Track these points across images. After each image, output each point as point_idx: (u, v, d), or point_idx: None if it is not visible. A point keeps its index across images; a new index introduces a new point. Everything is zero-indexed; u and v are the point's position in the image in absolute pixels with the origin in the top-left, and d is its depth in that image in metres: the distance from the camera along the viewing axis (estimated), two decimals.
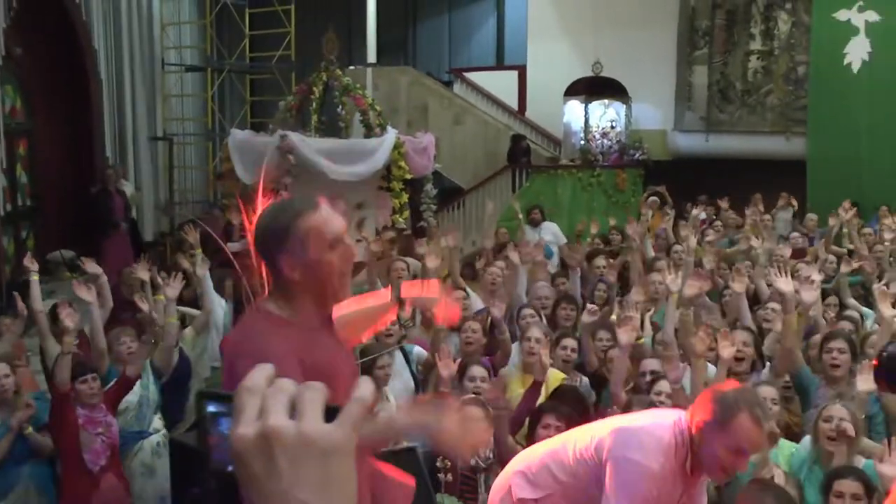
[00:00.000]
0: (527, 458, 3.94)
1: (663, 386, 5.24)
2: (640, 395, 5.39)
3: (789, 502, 4.09)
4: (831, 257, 8.86)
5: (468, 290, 7.81)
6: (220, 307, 7.18)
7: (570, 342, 6.27)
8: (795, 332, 5.85)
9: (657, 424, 3.46)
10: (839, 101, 14.50)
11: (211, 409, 1.05)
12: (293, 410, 0.97)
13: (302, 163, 9.19)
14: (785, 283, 5.89)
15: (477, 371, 5.40)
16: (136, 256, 7.44)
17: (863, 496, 4.18)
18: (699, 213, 11.18)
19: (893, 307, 6.32)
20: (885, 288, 6.83)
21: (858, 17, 14.45)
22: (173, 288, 6.07)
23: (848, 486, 4.21)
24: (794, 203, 12.91)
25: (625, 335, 5.42)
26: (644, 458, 3.30)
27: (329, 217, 2.78)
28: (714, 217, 12.00)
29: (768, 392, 5.08)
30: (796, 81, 16.00)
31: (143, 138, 15.25)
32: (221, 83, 16.68)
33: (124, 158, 14.52)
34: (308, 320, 2.80)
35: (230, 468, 1.00)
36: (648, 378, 5.55)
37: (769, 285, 7.10)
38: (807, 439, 5.06)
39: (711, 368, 5.53)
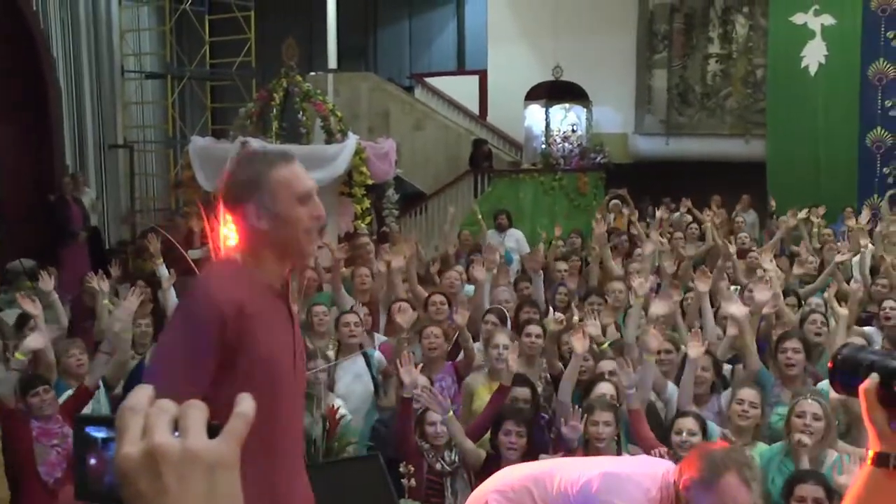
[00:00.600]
0: (507, 478, 3.91)
1: (604, 388, 5.25)
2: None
3: None
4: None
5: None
6: None
7: (534, 328, 6.27)
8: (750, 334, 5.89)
9: (645, 474, 3.44)
10: (797, 103, 14.62)
11: (100, 434, 1.05)
12: (176, 429, 0.98)
13: None
14: (736, 308, 5.92)
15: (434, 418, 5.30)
16: (100, 265, 7.31)
17: (824, 500, 4.15)
18: (663, 214, 11.23)
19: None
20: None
21: (814, 21, 14.57)
22: (131, 302, 5.96)
23: (810, 490, 4.18)
24: (774, 204, 12.95)
25: (578, 343, 5.43)
26: None
27: (300, 173, 2.78)
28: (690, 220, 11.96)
29: (748, 394, 5.09)
30: (755, 84, 16.12)
31: (104, 146, 15.09)
32: (182, 90, 16.53)
33: (84, 166, 14.38)
34: (269, 275, 2.80)
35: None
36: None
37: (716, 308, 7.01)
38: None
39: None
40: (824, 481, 4.27)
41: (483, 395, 5.72)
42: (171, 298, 6.64)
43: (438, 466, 5.15)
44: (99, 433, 1.06)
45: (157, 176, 16.84)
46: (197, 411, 0.99)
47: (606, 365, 5.69)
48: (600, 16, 16.85)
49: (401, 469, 5.07)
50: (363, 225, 10.01)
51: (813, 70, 14.58)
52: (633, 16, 17.08)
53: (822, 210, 11.62)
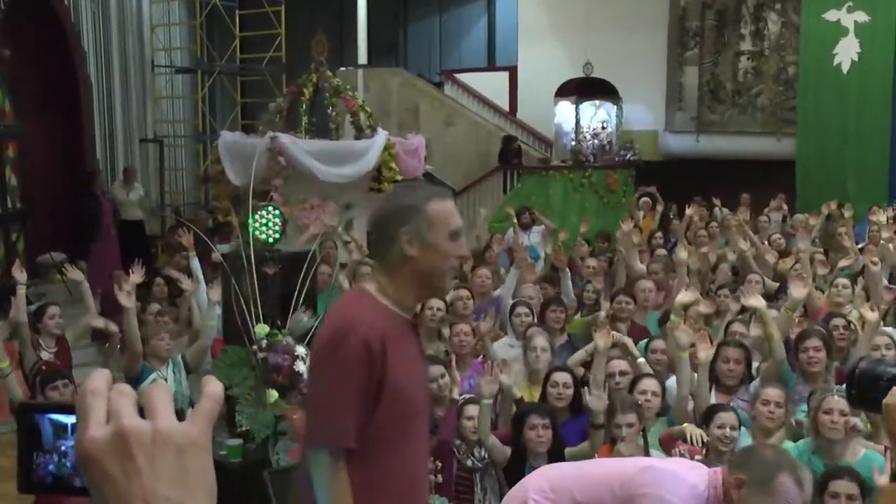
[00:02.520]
0: (547, 476, 3.89)
1: (648, 384, 5.22)
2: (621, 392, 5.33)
3: None
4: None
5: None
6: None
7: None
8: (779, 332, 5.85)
9: (691, 472, 3.42)
10: (829, 101, 14.47)
11: (62, 419, 1.04)
12: (141, 413, 0.97)
13: (292, 164, 9.12)
14: (755, 300, 5.88)
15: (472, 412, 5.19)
16: (142, 259, 7.27)
17: (858, 496, 4.16)
18: (693, 212, 11.14)
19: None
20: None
21: (848, 18, 14.42)
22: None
23: (844, 486, 4.18)
24: (785, 206, 12.88)
25: (601, 339, 5.40)
26: (679, 501, 3.26)
27: (455, 210, 2.90)
28: (710, 218, 11.91)
29: (774, 394, 5.04)
30: (786, 82, 15.97)
31: (134, 140, 15.19)
32: (212, 85, 16.61)
33: (114, 160, 14.46)
34: (403, 304, 2.86)
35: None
36: (617, 379, 5.53)
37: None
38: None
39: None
40: (858, 477, 4.26)
41: (525, 398, 5.69)
42: (201, 292, 6.65)
43: (469, 463, 5.12)
44: (62, 418, 1.04)
45: (187, 170, 16.93)
46: (163, 393, 0.98)
47: (618, 365, 5.67)
48: (631, 12, 16.71)
49: (428, 465, 5.06)
50: None
51: (846, 68, 14.43)
52: (665, 12, 16.95)
53: (848, 211, 11.50)
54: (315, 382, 2.89)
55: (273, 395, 4.66)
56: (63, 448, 1.02)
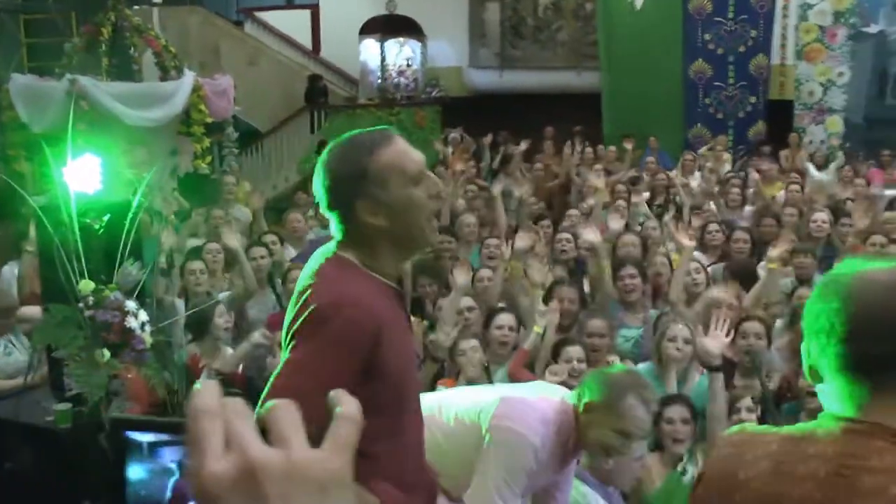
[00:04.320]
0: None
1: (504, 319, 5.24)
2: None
3: None
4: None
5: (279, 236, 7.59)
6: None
7: None
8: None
9: (543, 399, 3.31)
10: (625, 36, 14.70)
11: (144, 438, 0.83)
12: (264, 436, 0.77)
13: (96, 108, 8.57)
14: (591, 234, 6.03)
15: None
16: None
17: (690, 420, 4.31)
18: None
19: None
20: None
21: None
22: None
23: (678, 411, 4.32)
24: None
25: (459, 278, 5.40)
26: (528, 430, 3.13)
27: (407, 149, 2.42)
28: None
29: (597, 326, 5.17)
30: (585, 18, 16.35)
31: None
32: None
33: None
34: (387, 273, 2.47)
35: None
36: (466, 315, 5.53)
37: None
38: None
39: None
40: (689, 402, 4.42)
41: None
42: None
43: None
44: (144, 437, 0.84)
45: None
46: (291, 414, 0.79)
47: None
48: None
49: None
50: (204, 165, 9.57)
51: (639, 4, 14.76)
52: None
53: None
54: (295, 355, 2.36)
55: (105, 354, 4.34)
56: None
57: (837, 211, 8.00)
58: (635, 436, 3.27)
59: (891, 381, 1.61)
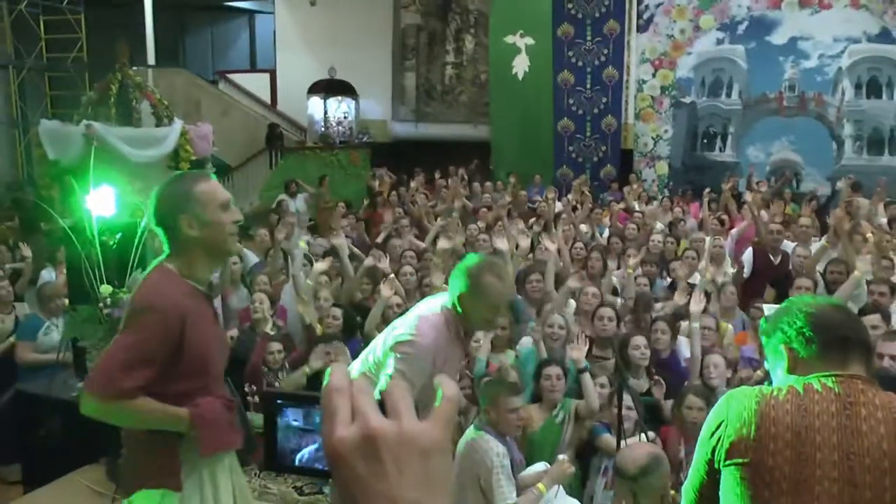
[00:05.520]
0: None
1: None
2: None
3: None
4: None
5: (243, 249, 7.43)
6: (49, 275, 6.27)
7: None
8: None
9: (428, 307, 3.24)
10: (510, 99, 14.82)
11: (296, 421, 0.80)
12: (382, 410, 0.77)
13: (105, 147, 8.27)
14: (501, 243, 5.83)
15: None
16: None
17: (562, 376, 4.41)
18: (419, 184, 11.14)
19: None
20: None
21: (520, 41, 14.78)
22: None
23: (554, 370, 4.41)
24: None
25: (385, 291, 5.31)
26: (418, 336, 3.07)
27: (218, 185, 2.63)
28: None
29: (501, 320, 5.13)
30: (480, 85, 16.42)
31: None
32: (22, 80, 14.83)
33: None
34: (199, 278, 2.60)
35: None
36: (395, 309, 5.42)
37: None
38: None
39: None
40: (563, 365, 4.53)
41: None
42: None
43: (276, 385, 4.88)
44: (296, 417, 0.80)
45: (3, 153, 15.06)
46: (404, 391, 0.78)
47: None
48: (365, 30, 16.66)
49: (245, 389, 4.78)
50: None
51: (521, 76, 14.93)
52: (390, 32, 16.99)
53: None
54: (118, 339, 2.50)
55: None
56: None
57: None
58: (502, 304, 3.24)
59: (854, 353, 1.97)
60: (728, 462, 1.91)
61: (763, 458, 1.86)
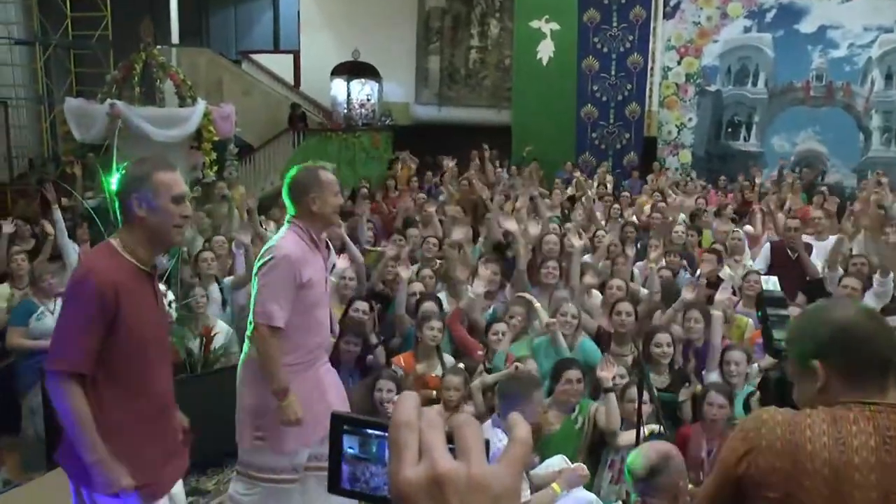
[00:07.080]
0: None
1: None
2: None
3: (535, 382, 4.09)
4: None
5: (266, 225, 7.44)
6: (74, 251, 6.27)
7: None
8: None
9: (285, 230, 3.47)
10: (534, 85, 14.73)
11: (352, 449, 0.78)
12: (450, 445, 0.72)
13: (129, 126, 8.30)
14: (510, 224, 5.87)
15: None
16: None
17: (582, 379, 4.30)
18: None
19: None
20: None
21: (546, 27, 14.67)
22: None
23: (574, 374, 4.29)
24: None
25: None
26: (275, 249, 3.35)
27: (179, 179, 2.72)
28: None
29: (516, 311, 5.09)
30: (504, 70, 16.31)
31: None
32: (48, 57, 14.91)
33: None
34: (141, 258, 2.68)
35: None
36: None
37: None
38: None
39: None
40: (581, 366, 4.40)
41: None
42: (62, 236, 5.91)
43: None
44: (352, 445, 0.79)
45: (29, 128, 15.18)
46: (475, 430, 0.72)
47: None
48: (389, 12, 16.57)
49: None
50: (211, 172, 9.38)
51: (545, 61, 14.81)
52: (414, 14, 16.90)
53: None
54: (61, 315, 2.65)
55: None
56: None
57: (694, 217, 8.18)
58: (332, 183, 3.45)
59: (894, 378, 1.78)
60: (755, 493, 1.78)
61: (797, 493, 1.73)
